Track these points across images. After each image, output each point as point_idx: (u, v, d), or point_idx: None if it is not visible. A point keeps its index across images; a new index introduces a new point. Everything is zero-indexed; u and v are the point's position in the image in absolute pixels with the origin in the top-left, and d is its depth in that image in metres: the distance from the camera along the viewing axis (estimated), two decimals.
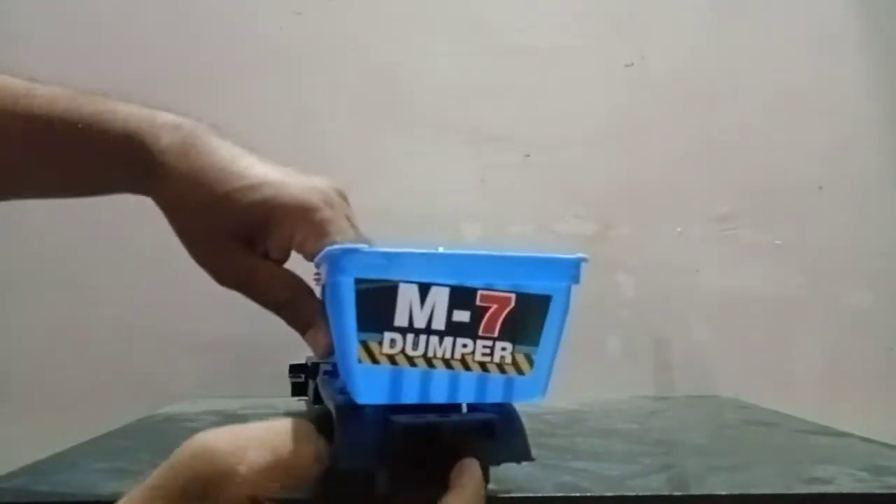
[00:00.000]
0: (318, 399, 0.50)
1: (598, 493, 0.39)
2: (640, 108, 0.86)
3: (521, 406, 0.36)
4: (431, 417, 0.32)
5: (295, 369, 0.58)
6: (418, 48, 0.85)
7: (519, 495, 0.37)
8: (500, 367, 0.33)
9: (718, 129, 0.87)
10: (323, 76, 0.85)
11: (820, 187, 0.87)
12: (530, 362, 0.34)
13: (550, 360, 0.34)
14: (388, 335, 0.31)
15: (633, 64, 0.87)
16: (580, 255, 0.34)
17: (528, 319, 0.33)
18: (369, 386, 0.32)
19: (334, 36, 0.85)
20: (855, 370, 0.85)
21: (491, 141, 0.85)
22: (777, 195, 0.87)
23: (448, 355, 0.32)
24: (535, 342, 0.34)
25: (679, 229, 0.86)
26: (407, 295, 0.31)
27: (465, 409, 0.35)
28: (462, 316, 0.32)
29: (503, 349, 0.33)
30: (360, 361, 0.31)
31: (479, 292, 0.32)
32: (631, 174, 0.86)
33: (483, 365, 0.33)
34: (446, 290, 0.32)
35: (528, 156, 0.85)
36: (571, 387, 0.79)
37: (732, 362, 0.85)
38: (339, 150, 0.84)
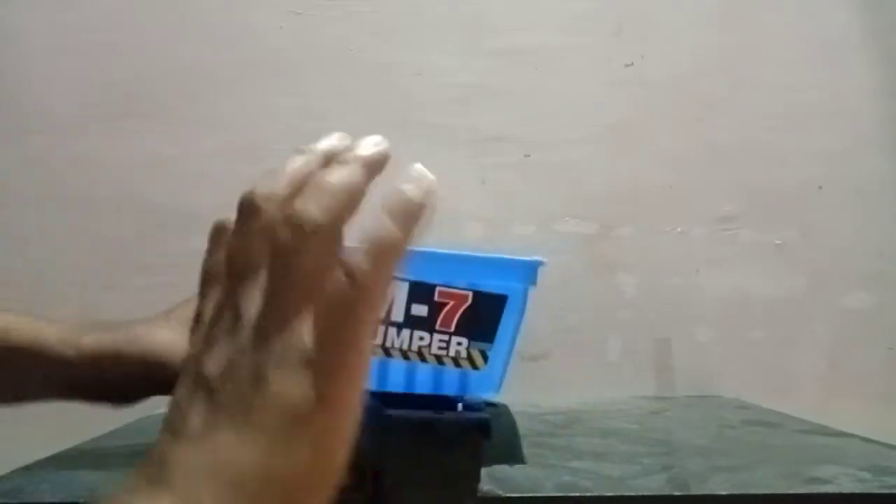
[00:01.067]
0: None
1: (598, 493, 0.39)
2: (640, 108, 0.86)
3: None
4: (427, 414, 0.33)
5: None
6: (418, 48, 0.85)
7: (519, 495, 0.37)
8: (456, 360, 0.35)
9: (718, 129, 0.87)
10: (322, 76, 0.85)
11: (820, 188, 0.87)
12: (485, 358, 0.35)
13: (505, 357, 0.36)
14: None
15: (633, 64, 0.87)
16: (538, 258, 0.35)
17: (484, 317, 0.35)
18: None
19: (334, 36, 0.85)
20: (855, 370, 0.85)
21: (491, 141, 0.85)
22: (777, 196, 0.87)
23: (405, 346, 0.34)
24: (490, 339, 0.35)
25: (679, 230, 0.86)
26: None
27: (460, 408, 0.35)
28: (420, 310, 0.34)
29: (459, 344, 0.35)
30: None
31: (438, 288, 0.34)
32: (631, 174, 0.86)
33: (439, 358, 0.35)
34: (406, 285, 0.33)
35: (528, 156, 0.85)
36: (572, 387, 0.80)
37: (733, 362, 0.85)
38: None
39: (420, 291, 0.33)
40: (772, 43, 0.88)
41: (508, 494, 0.37)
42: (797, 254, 0.86)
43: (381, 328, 0.33)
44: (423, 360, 0.34)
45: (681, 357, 0.85)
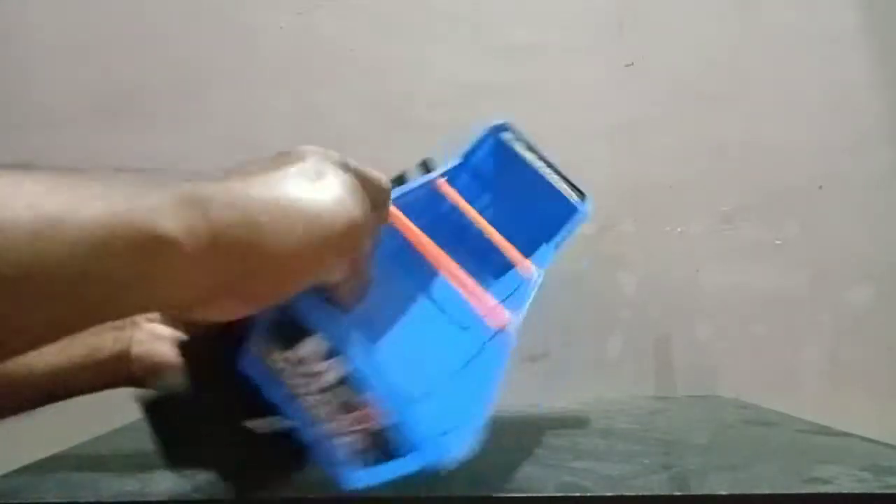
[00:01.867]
0: None
1: (599, 493, 0.39)
2: (640, 107, 0.86)
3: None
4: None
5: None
6: (418, 47, 0.85)
7: (520, 495, 0.37)
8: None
9: (719, 128, 0.87)
10: (322, 75, 0.85)
11: (820, 187, 0.87)
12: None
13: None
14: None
15: (633, 64, 0.87)
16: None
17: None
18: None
19: (334, 36, 0.85)
20: (857, 369, 0.85)
21: None
22: (778, 194, 0.86)
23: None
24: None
25: (680, 228, 0.86)
26: None
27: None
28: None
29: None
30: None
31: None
32: (631, 173, 0.86)
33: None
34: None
35: None
36: (572, 386, 0.80)
37: (734, 361, 0.85)
38: (340, 149, 0.84)
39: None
40: (774, 40, 0.87)
41: (508, 494, 0.37)
42: (798, 252, 0.86)
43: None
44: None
45: (681, 356, 0.85)
